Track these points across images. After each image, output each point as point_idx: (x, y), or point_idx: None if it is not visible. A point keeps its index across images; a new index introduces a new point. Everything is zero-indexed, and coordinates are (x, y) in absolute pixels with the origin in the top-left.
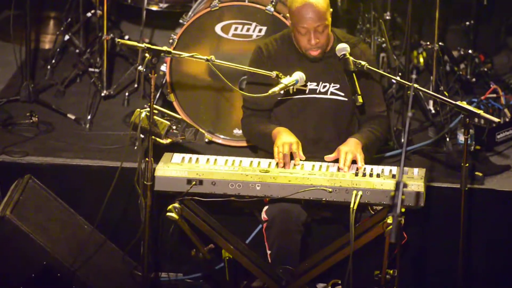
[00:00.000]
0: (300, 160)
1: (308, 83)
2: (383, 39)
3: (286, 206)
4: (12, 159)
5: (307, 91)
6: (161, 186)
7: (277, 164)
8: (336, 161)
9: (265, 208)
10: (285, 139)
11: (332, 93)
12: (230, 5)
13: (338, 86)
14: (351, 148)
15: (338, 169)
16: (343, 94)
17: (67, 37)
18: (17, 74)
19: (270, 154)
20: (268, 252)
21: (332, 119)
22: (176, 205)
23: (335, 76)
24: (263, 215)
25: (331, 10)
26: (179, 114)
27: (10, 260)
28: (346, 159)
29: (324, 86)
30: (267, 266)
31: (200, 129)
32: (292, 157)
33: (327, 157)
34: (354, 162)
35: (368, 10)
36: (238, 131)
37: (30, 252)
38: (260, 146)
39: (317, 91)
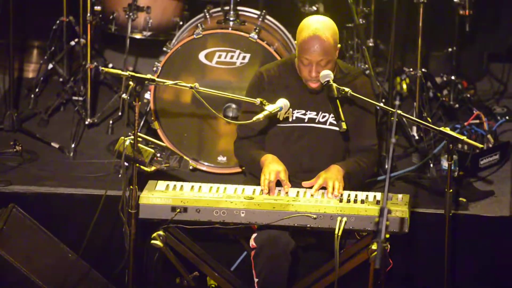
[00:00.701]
0: (288, 187)
1: (308, 112)
2: (366, 65)
3: (275, 234)
4: None
5: (306, 120)
6: (145, 214)
7: (261, 190)
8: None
9: (254, 235)
10: (272, 167)
11: (331, 124)
12: (213, 32)
13: None
14: (331, 174)
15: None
16: (337, 124)
17: (50, 65)
18: (0, 103)
19: (258, 179)
20: (256, 280)
21: (328, 150)
22: (161, 232)
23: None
24: (252, 243)
25: (339, 45)
26: (163, 142)
27: None
28: (328, 186)
29: (324, 116)
30: None
31: (185, 157)
32: (280, 184)
33: (304, 183)
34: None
35: (351, 37)
36: (222, 158)
37: (15, 282)
38: (249, 171)
39: (316, 121)
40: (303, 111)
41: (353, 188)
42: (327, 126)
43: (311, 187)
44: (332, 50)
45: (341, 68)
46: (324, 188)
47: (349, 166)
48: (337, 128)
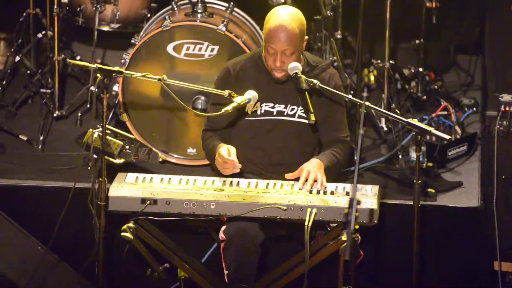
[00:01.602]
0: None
1: (276, 105)
2: (335, 57)
3: (244, 226)
4: None
5: (274, 113)
6: (115, 206)
7: (231, 182)
8: (297, 179)
9: (223, 227)
10: (221, 150)
11: (299, 116)
12: (181, 25)
13: None
14: (314, 167)
15: (300, 188)
16: (306, 116)
17: (17, 58)
18: None
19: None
20: (226, 272)
21: (297, 142)
22: (131, 225)
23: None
24: (221, 235)
25: (306, 37)
26: (132, 134)
27: None
28: (309, 177)
29: (292, 109)
30: (223, 285)
31: (154, 149)
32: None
33: (288, 175)
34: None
35: (319, 29)
36: (192, 150)
37: None
38: (211, 162)
39: (285, 113)
40: (272, 104)
41: (331, 180)
42: (296, 119)
43: (295, 180)
44: (298, 41)
45: (309, 60)
46: (296, 180)
47: (328, 159)
48: (306, 121)
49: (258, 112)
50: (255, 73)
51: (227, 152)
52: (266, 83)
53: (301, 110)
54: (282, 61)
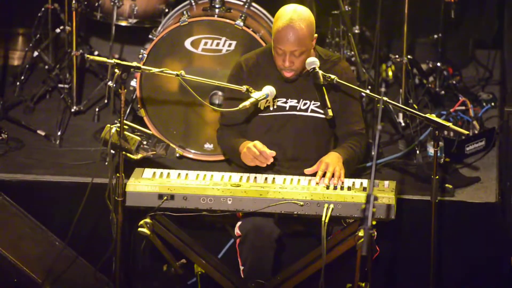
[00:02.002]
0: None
1: (289, 100)
2: (352, 52)
3: (259, 222)
4: None
5: (287, 108)
6: (132, 202)
7: (248, 178)
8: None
9: (238, 223)
10: (249, 145)
11: (312, 111)
12: (199, 20)
13: (318, 104)
14: (333, 161)
15: (317, 182)
16: (323, 112)
17: (36, 53)
18: None
19: (242, 168)
20: (241, 267)
21: (311, 137)
22: (148, 220)
23: (316, 94)
24: (236, 231)
25: (315, 35)
26: (149, 129)
27: None
28: (327, 171)
29: (305, 104)
30: (240, 281)
31: (171, 144)
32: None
33: (307, 170)
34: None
35: (337, 24)
36: (209, 146)
37: (1, 269)
38: (231, 159)
39: (298, 108)
40: (284, 99)
41: (348, 174)
42: (308, 113)
43: (313, 175)
44: (307, 41)
45: (320, 54)
46: (314, 175)
47: (346, 153)
48: (319, 115)
49: (271, 108)
50: (267, 68)
51: (261, 144)
52: (278, 78)
53: (314, 104)
54: (291, 61)
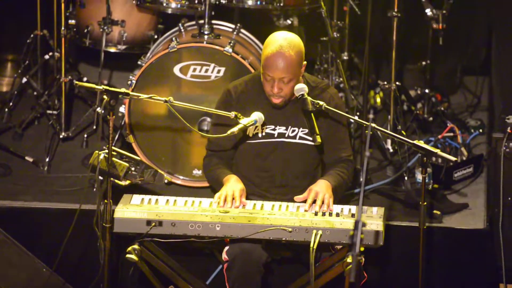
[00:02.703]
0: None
1: (277, 127)
2: (341, 79)
3: (247, 247)
4: None
5: (275, 135)
6: (120, 228)
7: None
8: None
9: (226, 248)
10: (230, 185)
11: (301, 138)
12: (188, 46)
13: (307, 131)
14: (322, 188)
15: (305, 210)
16: (311, 139)
17: (24, 79)
18: None
19: None
20: None
21: (300, 164)
22: (136, 246)
23: (305, 121)
24: (224, 256)
25: (305, 63)
26: (138, 156)
27: None
28: (317, 199)
29: (293, 131)
30: None
31: (159, 170)
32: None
33: (297, 198)
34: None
35: (326, 51)
36: (197, 172)
37: None
38: (213, 187)
39: (286, 135)
40: (273, 126)
41: (336, 201)
42: (297, 140)
43: (304, 202)
44: (296, 68)
45: (308, 81)
46: (304, 202)
47: (335, 180)
48: (307, 142)
49: (260, 135)
50: (256, 95)
51: (239, 193)
52: (267, 105)
53: (302, 131)
54: (280, 88)
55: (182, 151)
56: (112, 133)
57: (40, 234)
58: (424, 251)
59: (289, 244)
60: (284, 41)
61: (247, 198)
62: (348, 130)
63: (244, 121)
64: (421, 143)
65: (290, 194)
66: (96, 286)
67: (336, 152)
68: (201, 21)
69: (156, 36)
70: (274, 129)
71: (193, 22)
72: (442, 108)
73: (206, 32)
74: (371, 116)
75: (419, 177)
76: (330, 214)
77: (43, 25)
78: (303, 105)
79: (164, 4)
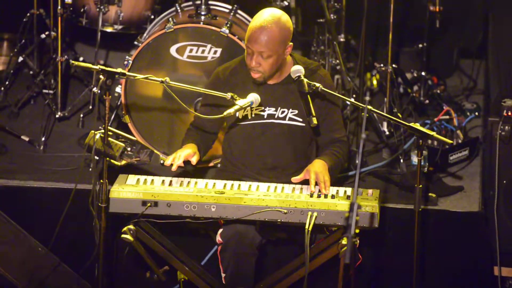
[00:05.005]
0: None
1: (267, 108)
2: (337, 61)
3: (241, 229)
4: None
5: (265, 116)
6: (115, 208)
7: (232, 185)
8: (304, 182)
9: (220, 230)
10: (180, 149)
11: (290, 119)
12: (184, 27)
13: (296, 112)
14: (319, 169)
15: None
16: (301, 120)
17: (21, 58)
18: None
19: (230, 173)
20: (223, 275)
21: (289, 145)
22: (131, 227)
23: (294, 102)
24: (218, 238)
25: (290, 43)
26: (134, 136)
27: None
28: (318, 180)
29: (283, 112)
30: None
31: (155, 151)
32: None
33: (294, 179)
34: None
35: (322, 33)
36: None
37: None
38: None
39: (276, 116)
40: (262, 108)
41: (331, 182)
42: (286, 122)
43: (300, 183)
44: (276, 45)
45: (297, 62)
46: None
47: (331, 160)
48: (297, 123)
49: (249, 117)
50: (245, 77)
51: (184, 153)
52: (255, 87)
53: (292, 112)
54: (258, 63)
55: (178, 132)
56: (108, 113)
57: (35, 213)
58: (419, 234)
59: (284, 226)
60: (270, 17)
61: (243, 180)
62: (340, 111)
63: (240, 102)
64: (417, 126)
65: (283, 178)
66: (91, 265)
67: (330, 133)
68: (198, 2)
69: (152, 16)
70: (263, 110)
71: (190, 3)
72: (438, 91)
73: (203, 13)
74: (367, 98)
75: (414, 159)
76: (326, 196)
77: (39, 4)
78: (299, 87)
79: None
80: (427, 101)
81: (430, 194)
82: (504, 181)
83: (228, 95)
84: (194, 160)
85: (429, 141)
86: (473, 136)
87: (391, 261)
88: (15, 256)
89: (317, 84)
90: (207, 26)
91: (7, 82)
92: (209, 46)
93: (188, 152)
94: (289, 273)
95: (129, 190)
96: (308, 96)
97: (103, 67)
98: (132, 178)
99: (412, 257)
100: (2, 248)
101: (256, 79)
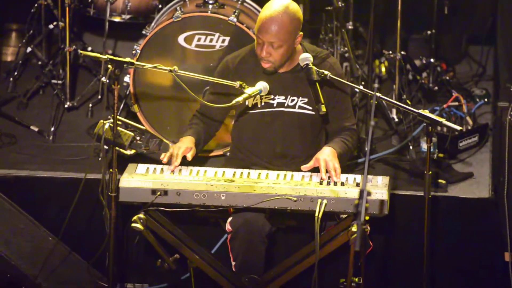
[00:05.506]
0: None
1: (277, 97)
2: (346, 48)
3: (250, 217)
4: None
5: (275, 105)
6: (125, 197)
7: (241, 173)
8: (314, 170)
9: (229, 219)
10: (177, 144)
11: (300, 107)
12: (192, 15)
13: (306, 100)
14: (330, 157)
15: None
16: (311, 108)
17: (29, 49)
18: None
19: (239, 161)
20: (233, 263)
21: (299, 133)
22: (141, 215)
23: (304, 90)
24: (227, 226)
25: (301, 33)
26: (143, 125)
27: None
28: (328, 167)
29: (292, 100)
30: (233, 276)
31: (164, 140)
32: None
33: (303, 167)
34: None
35: (330, 20)
36: None
37: None
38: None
39: (285, 105)
40: (271, 96)
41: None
42: (296, 110)
43: (309, 170)
44: (287, 35)
45: (307, 51)
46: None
47: (340, 147)
48: (306, 111)
49: (259, 105)
50: (254, 65)
51: (181, 151)
52: (264, 76)
53: (301, 101)
54: (268, 53)
55: (187, 121)
56: (117, 102)
57: (46, 203)
58: (429, 220)
59: (294, 214)
60: (280, 7)
61: (252, 168)
62: (350, 98)
63: (249, 90)
64: (426, 112)
65: (293, 166)
66: (102, 254)
67: (339, 121)
68: None
69: (160, 6)
70: (273, 99)
71: None
72: (447, 78)
73: (210, 2)
74: (376, 85)
75: (424, 146)
76: (335, 183)
77: None
78: (308, 75)
79: None
80: (436, 88)
81: (440, 180)
82: None
83: (237, 84)
84: (189, 156)
85: (439, 128)
86: (482, 122)
87: (402, 248)
88: (26, 245)
89: (326, 72)
90: (215, 15)
91: (15, 73)
92: (217, 35)
93: (184, 149)
94: (299, 261)
95: (138, 179)
96: (317, 84)
97: (111, 57)
98: (141, 167)
99: (423, 243)
100: (13, 238)
101: (266, 68)
